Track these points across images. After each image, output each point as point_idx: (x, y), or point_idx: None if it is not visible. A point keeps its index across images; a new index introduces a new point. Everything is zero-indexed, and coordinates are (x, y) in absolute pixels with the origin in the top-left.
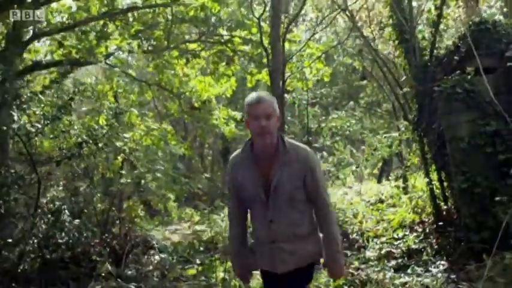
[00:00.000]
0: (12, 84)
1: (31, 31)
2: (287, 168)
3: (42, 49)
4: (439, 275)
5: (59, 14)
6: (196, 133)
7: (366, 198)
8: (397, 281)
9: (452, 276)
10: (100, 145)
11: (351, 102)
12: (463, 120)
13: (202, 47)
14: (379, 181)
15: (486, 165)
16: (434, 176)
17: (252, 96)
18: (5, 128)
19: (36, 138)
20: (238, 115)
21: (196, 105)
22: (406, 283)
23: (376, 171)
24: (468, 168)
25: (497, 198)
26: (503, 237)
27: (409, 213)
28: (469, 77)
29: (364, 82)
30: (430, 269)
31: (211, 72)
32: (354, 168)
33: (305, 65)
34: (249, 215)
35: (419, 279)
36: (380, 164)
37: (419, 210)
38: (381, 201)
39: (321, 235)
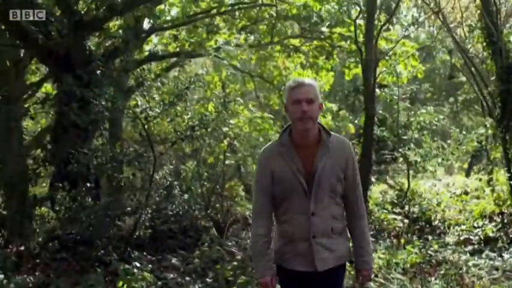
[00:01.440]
0: (134, 74)
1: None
2: (330, 158)
3: (159, 41)
4: (510, 260)
5: (170, 9)
6: None
7: (453, 190)
8: (470, 263)
9: None
10: (209, 129)
11: (451, 99)
12: None
13: (303, 42)
14: (467, 175)
15: None
16: None
17: (294, 79)
18: (131, 111)
19: (154, 121)
20: (334, 107)
21: None
22: (478, 265)
23: (466, 165)
24: None
25: None
26: None
27: (490, 205)
28: None
29: (463, 79)
30: (503, 254)
31: (310, 66)
32: (439, 160)
33: (398, 62)
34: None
35: (491, 262)
36: (469, 159)
37: (501, 202)
38: (466, 193)
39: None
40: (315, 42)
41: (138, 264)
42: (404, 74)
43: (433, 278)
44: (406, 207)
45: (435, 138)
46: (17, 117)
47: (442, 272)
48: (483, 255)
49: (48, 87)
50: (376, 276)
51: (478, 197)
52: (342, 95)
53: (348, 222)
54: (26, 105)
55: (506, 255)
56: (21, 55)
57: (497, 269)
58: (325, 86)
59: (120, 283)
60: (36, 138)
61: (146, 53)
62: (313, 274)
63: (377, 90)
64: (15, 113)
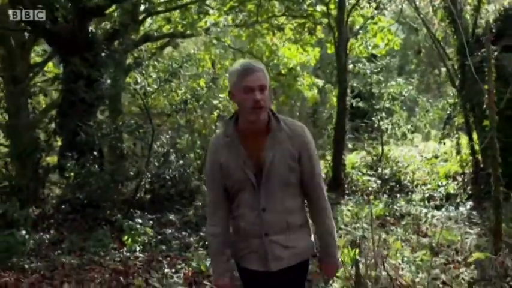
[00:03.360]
0: (132, 53)
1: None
2: (281, 147)
3: (153, 23)
4: (465, 212)
5: None
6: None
7: (425, 154)
8: (429, 215)
9: (474, 212)
10: (200, 103)
11: (436, 70)
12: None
13: (288, 20)
14: (440, 141)
15: (506, 125)
16: (475, 134)
17: (241, 64)
18: (131, 88)
19: (152, 96)
20: (320, 82)
21: (282, 71)
22: (435, 216)
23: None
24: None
25: None
26: None
27: (455, 166)
28: (495, 53)
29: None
30: (459, 208)
31: (295, 41)
32: (409, 127)
33: (369, 37)
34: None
35: (447, 214)
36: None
37: (464, 163)
38: (436, 157)
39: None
40: (298, 20)
41: (140, 221)
42: (381, 47)
43: (395, 227)
44: (379, 170)
45: (404, 108)
46: (27, 94)
47: (404, 222)
48: (443, 209)
49: (50, 66)
50: (346, 225)
51: (446, 160)
52: (331, 68)
53: (310, 213)
54: (34, 83)
55: (461, 208)
56: (26, 38)
57: (450, 219)
58: (311, 61)
59: (125, 237)
60: (42, 113)
61: (142, 34)
62: (267, 274)
63: (351, 65)
64: (25, 91)
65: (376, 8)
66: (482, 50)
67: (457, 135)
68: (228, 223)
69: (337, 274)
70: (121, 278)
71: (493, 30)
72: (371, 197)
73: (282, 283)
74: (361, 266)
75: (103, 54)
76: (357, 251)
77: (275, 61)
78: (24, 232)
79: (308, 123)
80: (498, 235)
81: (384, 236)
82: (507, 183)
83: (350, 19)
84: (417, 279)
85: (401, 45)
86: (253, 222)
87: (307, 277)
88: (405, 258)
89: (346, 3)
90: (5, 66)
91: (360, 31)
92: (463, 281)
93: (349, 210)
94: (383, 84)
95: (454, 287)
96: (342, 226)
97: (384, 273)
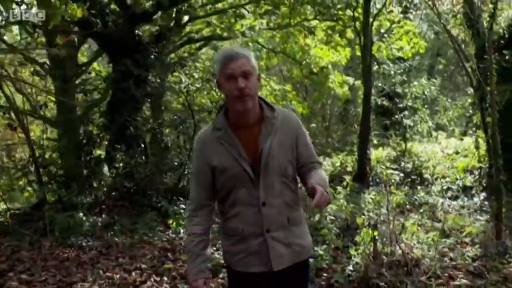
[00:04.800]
0: (176, 54)
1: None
2: (277, 136)
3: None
4: (478, 202)
5: None
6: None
7: (447, 150)
8: (445, 204)
9: (486, 202)
10: None
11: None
12: (499, 90)
13: (319, 23)
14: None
15: None
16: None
17: (224, 51)
18: (176, 86)
19: (194, 94)
20: (351, 80)
21: (314, 70)
22: (450, 205)
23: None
24: (503, 124)
25: None
26: None
27: (473, 161)
28: (506, 57)
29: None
30: (473, 198)
31: (326, 43)
32: (430, 124)
33: (392, 40)
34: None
35: (461, 203)
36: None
37: (482, 158)
38: (457, 152)
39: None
40: (328, 23)
41: (183, 207)
42: (406, 50)
43: (412, 214)
44: (402, 164)
45: (426, 106)
46: (76, 92)
47: (421, 210)
48: (458, 200)
49: (95, 65)
50: (368, 212)
51: (466, 156)
52: (357, 68)
53: (307, 177)
54: (81, 81)
55: (475, 199)
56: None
57: (463, 208)
58: (342, 60)
59: (171, 221)
60: (88, 109)
61: (183, 35)
62: (268, 275)
63: (376, 66)
64: (74, 89)
65: (402, 13)
66: (495, 53)
67: (475, 132)
68: (209, 224)
69: (357, 252)
70: (169, 254)
71: (506, 36)
72: (392, 187)
73: (283, 285)
74: (378, 244)
75: (152, 56)
76: (376, 232)
77: (307, 60)
78: (81, 215)
79: (338, 121)
80: (499, 219)
81: (401, 220)
82: None
83: (377, 23)
84: (427, 255)
85: (430, 46)
86: (252, 220)
87: (309, 278)
88: (419, 240)
89: (373, 8)
90: (54, 65)
91: (385, 34)
92: (467, 257)
93: (371, 198)
94: (406, 84)
95: (459, 261)
96: (365, 212)
97: (398, 248)
